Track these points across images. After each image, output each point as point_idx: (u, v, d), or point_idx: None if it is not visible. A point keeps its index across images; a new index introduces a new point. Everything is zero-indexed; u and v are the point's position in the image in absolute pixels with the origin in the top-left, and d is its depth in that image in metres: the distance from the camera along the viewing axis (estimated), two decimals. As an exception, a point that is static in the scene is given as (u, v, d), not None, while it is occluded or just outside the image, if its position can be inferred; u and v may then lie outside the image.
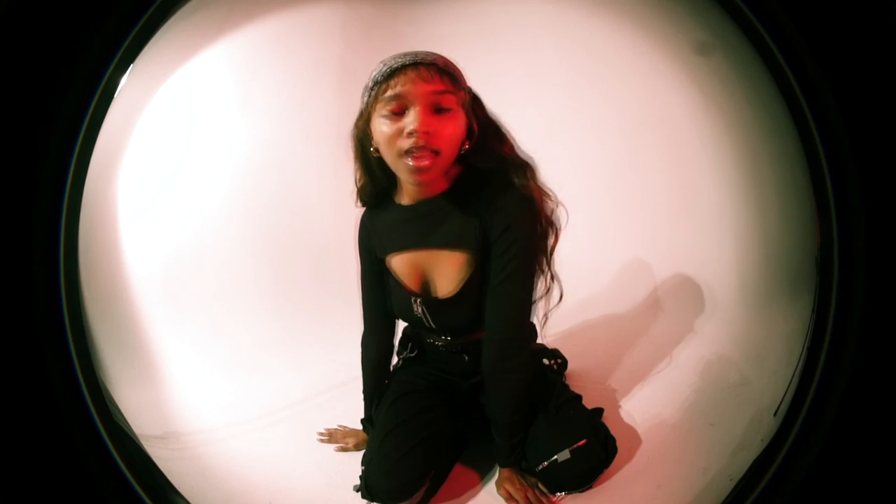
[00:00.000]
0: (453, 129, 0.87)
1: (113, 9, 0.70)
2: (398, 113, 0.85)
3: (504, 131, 0.96)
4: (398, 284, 1.02)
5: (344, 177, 1.03)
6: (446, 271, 0.98)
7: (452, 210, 0.94)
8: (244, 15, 1.65)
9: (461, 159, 0.92)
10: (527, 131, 0.98)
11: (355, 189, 1.02)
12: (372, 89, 0.87)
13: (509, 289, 0.94)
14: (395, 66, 0.84)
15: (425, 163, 0.85)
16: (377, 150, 0.90)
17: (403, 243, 1.00)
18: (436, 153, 0.85)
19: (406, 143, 0.84)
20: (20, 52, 0.64)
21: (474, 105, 0.92)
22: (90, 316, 0.79)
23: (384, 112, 0.86)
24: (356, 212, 1.06)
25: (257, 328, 1.72)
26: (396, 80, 0.84)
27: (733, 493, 0.79)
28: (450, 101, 0.85)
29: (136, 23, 0.73)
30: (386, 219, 1.01)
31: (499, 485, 1.00)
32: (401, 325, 1.16)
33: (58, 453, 0.70)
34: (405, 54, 0.85)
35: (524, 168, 0.94)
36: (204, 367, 1.56)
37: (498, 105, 0.95)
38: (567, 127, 1.77)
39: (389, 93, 0.84)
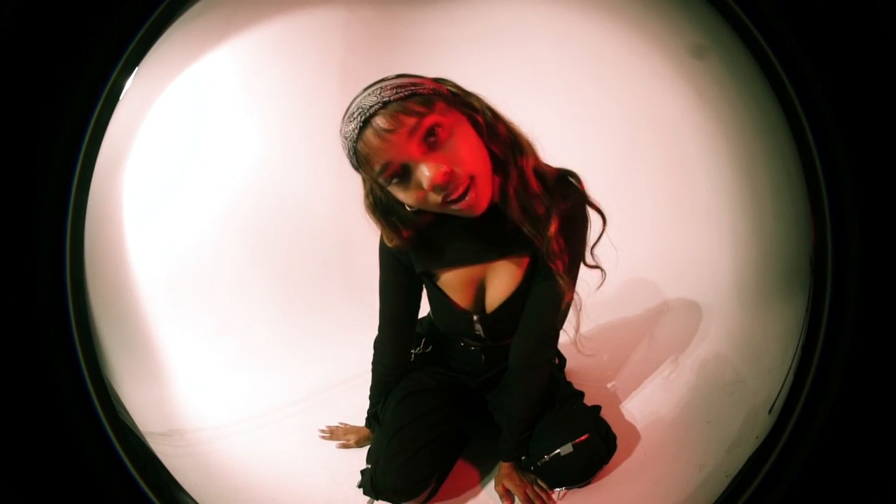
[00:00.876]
0: (463, 146, 0.74)
1: (118, 11, 0.70)
2: (402, 173, 0.74)
3: (489, 110, 0.81)
4: (447, 299, 0.98)
5: (347, 176, 1.02)
6: (503, 281, 0.94)
7: (504, 218, 0.85)
8: (248, 18, 1.66)
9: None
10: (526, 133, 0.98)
11: (399, 245, 0.90)
12: (355, 161, 0.77)
13: (560, 284, 0.89)
14: (355, 133, 0.72)
15: (470, 196, 0.74)
16: (413, 207, 0.80)
17: (459, 258, 0.93)
18: (470, 178, 0.74)
19: (438, 196, 0.73)
20: (26, 53, 0.65)
21: (454, 94, 0.78)
22: (95, 314, 0.79)
23: (390, 182, 0.75)
24: (360, 211, 1.00)
25: (261, 326, 1.73)
26: (367, 147, 0.71)
27: (729, 490, 0.80)
28: (432, 121, 0.71)
29: (142, 25, 0.73)
30: (429, 233, 0.91)
31: (497, 481, 1.01)
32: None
33: (63, 450, 0.70)
34: (352, 115, 0.72)
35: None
36: (208, 365, 1.57)
37: (497, 107, 0.94)
38: (565, 129, 1.77)
39: (377, 167, 0.73)
